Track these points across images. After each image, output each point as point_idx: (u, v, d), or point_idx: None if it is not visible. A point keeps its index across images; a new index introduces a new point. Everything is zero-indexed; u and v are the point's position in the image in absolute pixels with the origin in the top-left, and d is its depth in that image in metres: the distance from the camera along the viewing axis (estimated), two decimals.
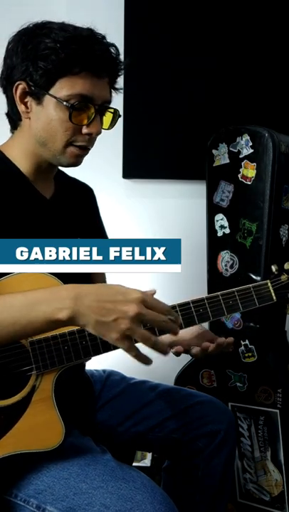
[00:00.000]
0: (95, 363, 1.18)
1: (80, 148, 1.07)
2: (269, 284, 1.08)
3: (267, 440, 1.61)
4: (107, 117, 1.10)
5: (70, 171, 1.25)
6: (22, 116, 1.07)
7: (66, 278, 0.96)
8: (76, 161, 1.10)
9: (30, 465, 0.97)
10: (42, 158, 1.09)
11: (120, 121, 1.84)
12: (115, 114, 1.11)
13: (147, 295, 0.87)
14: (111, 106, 1.10)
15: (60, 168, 1.19)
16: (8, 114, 1.12)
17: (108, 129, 1.12)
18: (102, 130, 1.09)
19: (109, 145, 1.81)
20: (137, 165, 1.91)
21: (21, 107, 1.06)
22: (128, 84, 1.77)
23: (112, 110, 1.10)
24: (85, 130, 1.06)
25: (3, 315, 0.88)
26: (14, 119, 1.10)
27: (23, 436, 0.94)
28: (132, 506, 0.88)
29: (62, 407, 0.98)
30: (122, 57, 1.10)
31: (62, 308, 0.86)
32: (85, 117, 1.05)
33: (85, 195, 1.30)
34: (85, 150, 1.09)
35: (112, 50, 1.06)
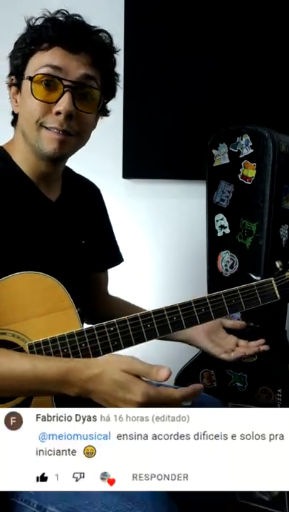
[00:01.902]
0: None
1: (51, 131, 0.97)
2: (273, 281, 1.05)
3: None
4: (93, 98, 1.00)
5: None
6: (16, 113, 1.05)
7: (63, 274, 0.96)
8: (55, 148, 0.98)
9: None
10: (34, 158, 1.03)
11: (120, 121, 1.86)
12: (99, 95, 1.01)
13: (150, 395, 0.82)
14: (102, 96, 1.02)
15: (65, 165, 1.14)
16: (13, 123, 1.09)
17: (94, 112, 1.01)
18: (91, 115, 1.01)
19: (109, 145, 1.82)
20: (137, 165, 1.91)
21: (13, 103, 1.04)
22: (128, 84, 1.78)
23: (94, 91, 0.99)
24: (54, 109, 0.96)
25: (12, 383, 0.88)
26: (14, 120, 1.08)
27: None
28: (133, 506, 0.88)
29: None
30: (116, 44, 1.04)
31: (71, 391, 0.87)
32: (52, 94, 0.96)
33: (93, 196, 1.24)
34: (60, 135, 0.97)
35: (87, 26, 1.00)
